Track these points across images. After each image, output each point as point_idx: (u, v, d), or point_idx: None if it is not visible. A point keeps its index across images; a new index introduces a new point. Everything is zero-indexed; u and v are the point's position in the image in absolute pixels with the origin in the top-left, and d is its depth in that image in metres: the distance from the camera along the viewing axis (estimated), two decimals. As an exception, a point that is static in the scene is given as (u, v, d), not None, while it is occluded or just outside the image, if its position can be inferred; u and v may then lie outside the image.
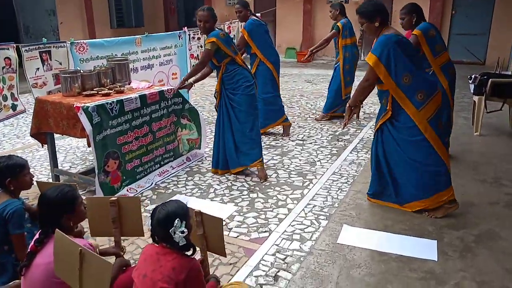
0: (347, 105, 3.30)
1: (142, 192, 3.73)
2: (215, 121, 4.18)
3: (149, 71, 5.49)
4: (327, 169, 4.27)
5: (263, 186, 3.86)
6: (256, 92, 4.03)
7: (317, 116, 6.24)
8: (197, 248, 2.12)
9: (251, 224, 3.18)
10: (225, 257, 2.36)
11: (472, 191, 3.72)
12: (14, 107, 4.08)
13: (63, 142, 5.12)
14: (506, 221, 3.21)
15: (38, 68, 4.13)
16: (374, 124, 3.48)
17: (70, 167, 4.41)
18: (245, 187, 3.86)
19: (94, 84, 3.89)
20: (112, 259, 2.32)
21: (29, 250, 1.97)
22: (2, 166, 2.34)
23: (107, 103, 3.48)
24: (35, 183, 2.52)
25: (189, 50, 6.14)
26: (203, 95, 7.90)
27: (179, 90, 4.13)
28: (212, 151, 4.21)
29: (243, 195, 3.69)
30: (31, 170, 2.54)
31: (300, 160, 4.53)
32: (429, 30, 3.93)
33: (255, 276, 2.54)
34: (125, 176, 3.67)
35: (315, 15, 12.90)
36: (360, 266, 2.65)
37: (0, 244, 2.30)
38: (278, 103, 5.28)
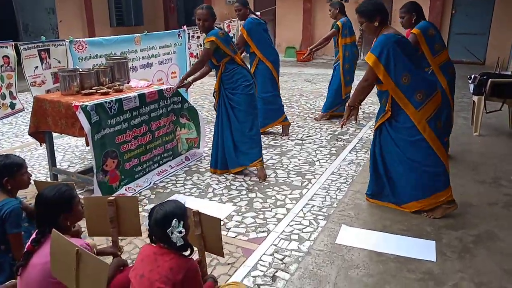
0: (346, 104, 3.29)
1: (141, 192, 3.72)
2: (214, 121, 4.17)
3: (148, 70, 5.48)
4: (326, 169, 4.27)
5: (262, 186, 3.85)
6: (255, 91, 4.02)
7: (317, 116, 6.23)
8: (195, 248, 2.12)
9: (249, 224, 3.18)
10: (223, 257, 2.35)
11: (471, 192, 3.71)
12: (12, 105, 4.07)
13: (61, 141, 5.11)
14: (504, 221, 3.21)
15: (36, 67, 4.12)
16: (374, 124, 3.47)
17: (69, 166, 4.40)
18: (243, 186, 3.85)
19: (93, 83, 3.88)
20: (109, 259, 2.32)
21: (26, 249, 1.96)
22: (0, 165, 2.33)
23: (105, 102, 3.47)
24: (32, 182, 2.51)
25: (189, 49, 6.12)
26: (203, 94, 7.89)
27: (178, 89, 4.12)
28: (211, 150, 4.21)
29: (242, 194, 3.68)
30: (29, 169, 2.54)
31: (299, 159, 4.53)
32: (428, 29, 3.92)
33: (253, 277, 2.53)
34: (123, 176, 3.67)
35: (315, 14, 12.88)
36: (358, 266, 2.64)
37: (-3, 244, 2.29)
38: (278, 102, 5.27)
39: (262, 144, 4.19)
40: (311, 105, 7.05)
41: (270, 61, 5.02)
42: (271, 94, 5.14)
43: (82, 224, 2.38)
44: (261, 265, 2.65)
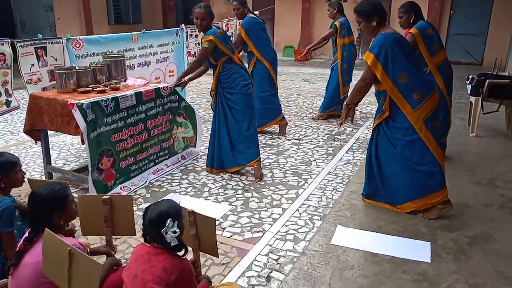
0: (344, 103, 3.29)
1: (136, 190, 3.71)
2: (211, 120, 4.16)
3: (145, 68, 5.46)
4: (323, 168, 4.26)
5: (258, 186, 3.84)
6: (253, 91, 4.01)
7: (314, 115, 6.22)
8: (189, 248, 2.11)
9: (245, 224, 3.17)
10: (218, 257, 2.34)
11: (467, 193, 3.72)
12: (8, 103, 4.05)
13: (57, 139, 5.09)
14: (500, 223, 3.21)
15: (33, 64, 4.10)
16: (372, 124, 3.47)
17: (64, 164, 4.38)
18: (240, 186, 3.84)
19: (90, 81, 3.86)
20: (103, 259, 2.31)
21: (18, 248, 1.95)
22: (-7, 163, 2.32)
23: (102, 100, 3.46)
24: (26, 180, 2.49)
25: (187, 47, 6.11)
26: (200, 93, 7.87)
27: (175, 88, 4.11)
28: (207, 149, 4.19)
29: (238, 194, 3.67)
30: (24, 167, 2.53)
31: (295, 159, 4.52)
32: (426, 29, 3.91)
33: (247, 277, 2.53)
34: (119, 174, 3.65)
35: (313, 13, 12.86)
36: (353, 267, 2.64)
37: (-11, 242, 2.28)
38: (275, 102, 5.26)
39: (259, 143, 4.18)
40: (308, 105, 7.05)
41: (268, 60, 5.01)
42: (268, 93, 5.13)
43: (76, 223, 2.38)
44: (255, 265, 2.64)
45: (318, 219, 3.23)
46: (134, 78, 4.38)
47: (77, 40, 4.47)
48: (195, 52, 6.21)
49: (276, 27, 13.50)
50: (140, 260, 1.88)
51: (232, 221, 3.21)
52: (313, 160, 4.50)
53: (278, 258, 2.72)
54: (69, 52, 4.38)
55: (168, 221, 1.86)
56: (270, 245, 2.87)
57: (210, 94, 4.09)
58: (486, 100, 5.22)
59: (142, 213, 1.93)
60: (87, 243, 2.40)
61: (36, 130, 3.77)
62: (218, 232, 2.92)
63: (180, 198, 3.52)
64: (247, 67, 4.23)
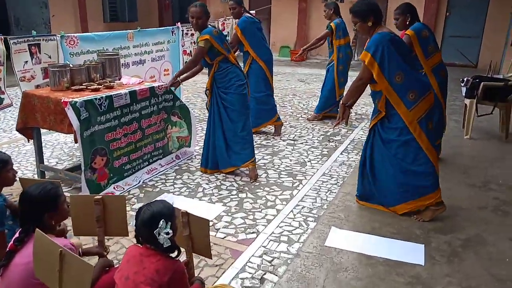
0: (341, 102, 3.28)
1: (129, 190, 3.68)
2: (206, 119, 4.13)
3: (140, 67, 5.41)
4: (317, 170, 4.25)
5: (253, 186, 3.83)
6: (248, 91, 3.99)
7: (309, 116, 6.22)
8: (182, 250, 2.09)
9: (239, 224, 3.15)
10: (211, 259, 2.33)
11: (461, 195, 3.73)
12: (0, 100, 4.01)
13: (50, 137, 5.04)
14: (493, 226, 3.22)
15: (26, 61, 4.05)
16: (368, 124, 3.47)
17: (57, 163, 4.34)
18: (234, 186, 3.82)
19: (84, 79, 3.83)
20: (95, 259, 2.29)
21: (8, 249, 1.92)
22: (-16, 162, 2.29)
23: (95, 98, 3.43)
24: (18, 179, 2.46)
25: (182, 46, 6.07)
26: (195, 92, 7.84)
27: (170, 87, 4.08)
28: (202, 149, 4.17)
29: (232, 195, 3.66)
30: (16, 165, 2.50)
31: (290, 160, 4.51)
32: (422, 30, 3.92)
33: (241, 279, 2.51)
34: (112, 174, 3.62)
35: (310, 13, 12.87)
36: (347, 269, 2.63)
37: (-20, 242, 2.24)
38: (271, 102, 5.25)
39: (254, 143, 4.17)
40: (304, 105, 7.04)
41: (263, 60, 5.00)
42: (264, 94, 5.11)
43: (68, 223, 2.35)
44: (249, 267, 2.63)
45: (312, 221, 3.22)
46: (129, 76, 4.35)
47: (72, 38, 4.42)
48: (190, 51, 6.18)
49: (272, 27, 13.50)
50: (132, 262, 1.87)
51: (226, 222, 3.19)
52: (308, 161, 4.49)
53: (272, 260, 2.70)
54: (63, 50, 4.34)
55: (161, 222, 1.85)
56: (264, 247, 2.85)
57: (205, 93, 4.07)
58: (480, 102, 5.25)
59: (135, 214, 1.91)
60: (79, 244, 2.38)
61: (28, 128, 3.73)
62: (211, 233, 2.90)
63: (173, 198, 3.49)
64: (242, 67, 4.22)
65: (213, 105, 3.94)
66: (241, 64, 4.19)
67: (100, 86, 3.70)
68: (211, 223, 3.09)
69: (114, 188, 3.61)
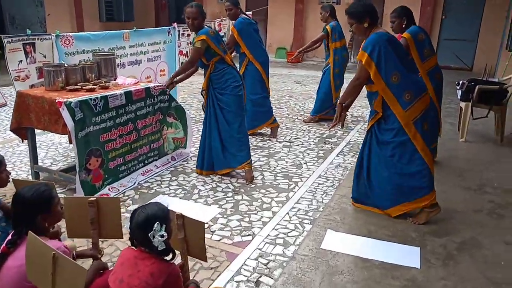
0: (338, 102, 3.27)
1: (124, 192, 3.65)
2: (202, 120, 4.11)
3: (136, 67, 5.39)
4: (313, 172, 4.25)
5: (248, 188, 3.82)
6: (244, 92, 3.97)
7: (305, 118, 6.22)
8: (177, 252, 2.07)
9: (234, 227, 3.14)
10: (206, 261, 2.31)
11: (456, 198, 3.73)
12: (-6, 100, 3.97)
13: (45, 138, 5.00)
14: (489, 229, 3.22)
15: (21, 61, 4.02)
16: (366, 126, 3.47)
17: (51, 163, 4.30)
18: (230, 188, 3.81)
19: (79, 78, 3.80)
20: (89, 262, 2.26)
21: (0, 251, 1.89)
22: (-23, 163, 2.26)
23: (90, 99, 3.40)
24: (11, 180, 2.43)
25: (178, 46, 6.06)
26: (191, 93, 7.82)
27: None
28: (198, 150, 4.16)
29: (228, 197, 3.64)
30: (10, 166, 2.47)
31: (286, 162, 4.50)
32: (418, 33, 3.94)
33: (236, 282, 2.49)
34: (107, 175, 3.59)
35: (307, 15, 12.88)
36: (343, 272, 2.62)
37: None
38: (267, 104, 5.24)
39: (250, 145, 4.16)
40: (300, 107, 7.04)
41: (259, 62, 4.99)
42: (260, 96, 5.11)
43: (62, 224, 2.32)
44: (245, 269, 2.61)
45: (308, 223, 3.21)
46: (125, 77, 4.33)
47: (67, 37, 4.40)
48: (187, 52, 6.16)
49: (269, 28, 13.50)
50: (126, 264, 1.85)
51: (221, 224, 3.18)
52: (304, 163, 4.48)
53: (268, 263, 2.69)
54: (58, 49, 4.31)
55: (156, 224, 1.83)
56: (259, 249, 2.84)
57: (201, 94, 4.05)
58: (476, 105, 5.27)
59: (129, 216, 1.89)
60: (73, 246, 2.35)
61: (23, 128, 3.69)
62: (207, 236, 2.88)
63: (168, 200, 3.47)
64: (238, 69, 4.21)
65: (209, 106, 3.92)
66: (237, 66, 4.18)
67: (95, 86, 3.67)
68: (206, 225, 3.07)
69: (109, 189, 3.58)
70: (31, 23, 11.30)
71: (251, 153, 4.17)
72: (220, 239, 2.96)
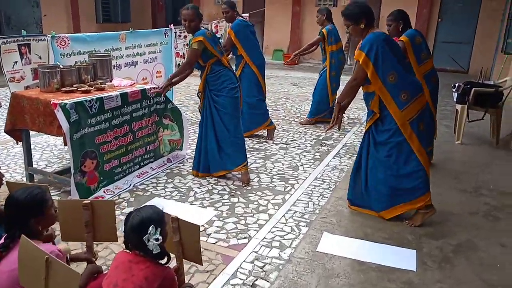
0: (336, 101, 3.27)
1: (120, 194, 3.63)
2: (198, 122, 4.10)
3: (132, 69, 5.37)
4: (310, 174, 4.24)
5: (245, 191, 3.80)
6: (240, 95, 3.96)
7: (302, 120, 6.21)
8: (172, 256, 2.06)
9: (230, 229, 3.12)
10: (201, 265, 2.30)
11: (452, 200, 3.73)
12: (-11, 101, 3.94)
13: (40, 139, 4.97)
14: (484, 231, 3.23)
15: (16, 62, 3.99)
16: (364, 127, 3.46)
17: (46, 165, 4.27)
18: (226, 191, 3.79)
19: (74, 80, 3.78)
20: (84, 265, 2.24)
21: (-8, 255, 1.87)
22: (-31, 165, 2.24)
23: (86, 100, 3.38)
24: (4, 182, 2.41)
25: (175, 48, 6.04)
26: (188, 95, 7.80)
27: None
28: (194, 152, 4.14)
29: (224, 199, 3.62)
30: (5, 167, 2.45)
31: (283, 164, 4.49)
32: (415, 37, 3.95)
33: (232, 285, 2.48)
34: (102, 177, 3.57)
35: (304, 17, 12.90)
36: (339, 275, 2.61)
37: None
38: (263, 107, 5.24)
39: (247, 147, 4.15)
40: (296, 109, 7.04)
41: (256, 64, 4.99)
42: (256, 98, 5.10)
43: (57, 227, 2.30)
44: (240, 273, 2.60)
45: (304, 226, 3.20)
46: (120, 78, 4.31)
47: (63, 38, 4.36)
48: (183, 53, 6.14)
49: (266, 30, 13.50)
50: (121, 268, 1.83)
51: (217, 227, 3.16)
52: (300, 165, 4.48)
53: (264, 266, 2.68)
54: (54, 50, 4.28)
55: (151, 228, 1.82)
56: (255, 252, 2.82)
57: (198, 96, 4.03)
58: (471, 108, 5.29)
59: (124, 219, 1.87)
60: (67, 249, 2.33)
61: (17, 130, 3.67)
62: (203, 238, 2.87)
63: (164, 202, 3.45)
64: (235, 71, 4.20)
65: (206, 108, 3.91)
66: (233, 68, 4.17)
67: (90, 88, 3.66)
68: (202, 228, 3.06)
69: (104, 191, 3.56)
70: (27, 23, 11.24)
71: (248, 155, 4.16)
72: (216, 242, 2.95)
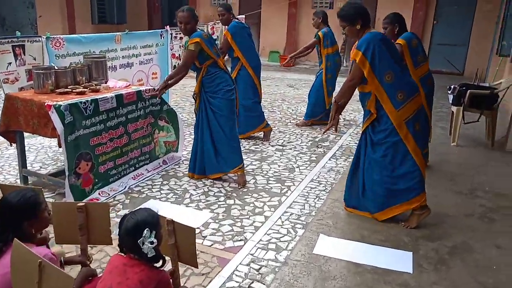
0: (333, 100, 3.27)
1: (115, 196, 3.60)
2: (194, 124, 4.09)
3: (128, 70, 5.35)
4: (306, 176, 4.23)
5: (241, 193, 3.79)
6: (236, 97, 3.95)
7: (298, 122, 6.21)
8: (168, 258, 2.04)
9: (226, 232, 3.10)
10: (197, 268, 2.28)
11: (448, 202, 3.74)
12: (-18, 102, 3.90)
13: (34, 141, 4.93)
14: (480, 233, 3.23)
15: (10, 63, 3.96)
16: (356, 130, 3.46)
17: (41, 167, 4.24)
18: (222, 193, 3.78)
19: (69, 81, 3.76)
20: (78, 268, 2.22)
21: (-15, 259, 1.85)
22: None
23: (81, 102, 3.36)
24: (-2, 185, 2.38)
25: (171, 49, 6.02)
26: (184, 96, 7.78)
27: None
28: (190, 154, 4.12)
29: (220, 201, 3.61)
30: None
31: (279, 166, 4.49)
32: (412, 40, 3.97)
33: (227, 288, 2.47)
34: (97, 179, 3.54)
35: (300, 19, 12.92)
36: (336, 278, 2.60)
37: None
38: (258, 109, 5.23)
39: (243, 149, 4.14)
40: (292, 111, 7.04)
41: (251, 66, 4.98)
42: (251, 101, 5.10)
43: (50, 230, 2.28)
44: (236, 275, 2.58)
45: (300, 228, 3.19)
46: (116, 80, 4.29)
47: (57, 39, 4.34)
48: (179, 55, 6.13)
49: (262, 31, 13.51)
50: (115, 272, 1.81)
51: (213, 229, 3.14)
52: (297, 167, 4.47)
53: (260, 268, 2.66)
54: (49, 51, 4.26)
55: (145, 231, 1.80)
56: (251, 255, 2.81)
57: (193, 97, 4.02)
58: (467, 110, 5.31)
59: (118, 222, 1.86)
60: (62, 252, 2.31)
61: (11, 131, 3.64)
62: (198, 241, 2.86)
63: (159, 205, 3.42)
64: (230, 73, 4.19)
65: (201, 110, 3.89)
66: (229, 69, 4.16)
67: (85, 89, 3.63)
68: (197, 230, 3.04)
69: (99, 193, 3.53)
70: (22, 24, 11.19)
71: (244, 157, 4.14)
72: (212, 244, 2.93)
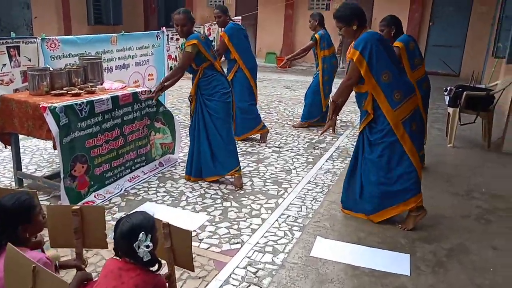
0: (331, 100, 3.26)
1: (111, 199, 3.58)
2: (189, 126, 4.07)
3: (124, 71, 5.33)
4: (303, 177, 4.23)
5: (237, 195, 3.77)
6: (233, 99, 3.94)
7: (295, 123, 6.21)
8: (164, 262, 2.02)
9: (223, 234, 3.09)
10: (193, 271, 2.26)
11: (444, 204, 3.74)
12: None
13: (30, 143, 4.90)
14: (477, 234, 3.23)
15: (5, 64, 3.93)
16: (353, 131, 3.45)
17: (36, 170, 4.20)
18: (218, 195, 3.76)
19: (64, 83, 3.74)
20: (73, 272, 2.20)
21: (-22, 263, 1.82)
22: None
23: (76, 103, 3.34)
24: (-8, 188, 2.36)
25: (167, 50, 6.01)
26: (180, 98, 7.76)
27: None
28: (187, 156, 4.10)
29: (216, 203, 3.59)
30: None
31: (276, 168, 4.47)
32: (409, 42, 3.98)
33: (224, 291, 2.45)
34: (93, 181, 3.52)
35: (296, 20, 12.93)
36: (333, 281, 2.59)
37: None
38: (254, 112, 5.23)
39: (239, 150, 4.12)
40: (289, 112, 7.03)
41: (248, 68, 4.98)
42: (247, 103, 5.10)
43: (45, 234, 2.26)
44: (233, 279, 2.57)
45: (297, 230, 3.18)
46: (111, 81, 4.27)
47: (53, 40, 4.32)
48: (175, 56, 6.11)
49: (258, 33, 13.51)
50: (110, 276, 1.79)
51: (209, 232, 3.13)
52: (293, 169, 4.46)
53: (257, 271, 2.65)
54: (44, 53, 4.23)
55: (141, 234, 1.78)
56: (248, 257, 2.80)
57: (189, 99, 3.99)
58: (463, 111, 5.31)
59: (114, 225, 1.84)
60: (57, 256, 2.29)
61: (6, 133, 3.61)
62: (195, 244, 2.84)
63: (155, 208, 3.40)
64: (227, 75, 4.17)
65: (198, 112, 3.87)
66: (225, 72, 4.14)
67: (81, 91, 3.61)
68: (194, 233, 3.02)
69: (94, 196, 3.51)
70: (17, 25, 11.09)
71: (240, 159, 4.13)
72: (208, 247, 2.91)
